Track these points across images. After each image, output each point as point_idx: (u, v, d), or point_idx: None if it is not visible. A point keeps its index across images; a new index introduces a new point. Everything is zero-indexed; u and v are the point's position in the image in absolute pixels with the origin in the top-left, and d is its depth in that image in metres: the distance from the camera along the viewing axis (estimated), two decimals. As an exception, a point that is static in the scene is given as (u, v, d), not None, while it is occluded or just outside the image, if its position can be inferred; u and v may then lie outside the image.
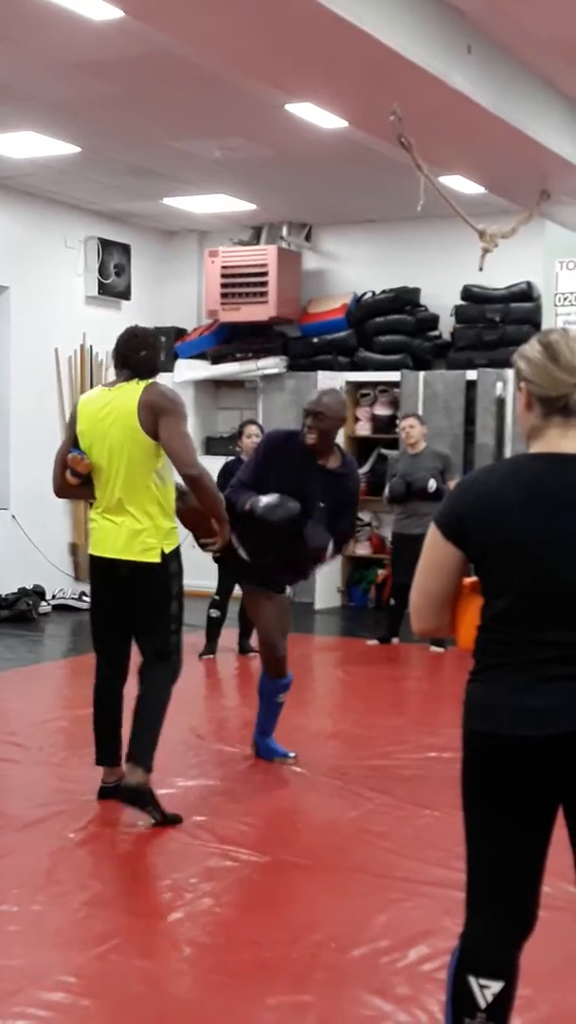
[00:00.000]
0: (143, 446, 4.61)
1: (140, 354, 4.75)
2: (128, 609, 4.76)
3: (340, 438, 10.87)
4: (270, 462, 5.28)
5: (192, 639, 8.65)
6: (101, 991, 3.38)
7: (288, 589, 5.54)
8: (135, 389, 4.66)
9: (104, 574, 4.76)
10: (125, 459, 4.63)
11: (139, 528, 4.64)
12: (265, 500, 5.12)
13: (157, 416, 4.58)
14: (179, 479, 4.70)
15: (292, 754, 5.62)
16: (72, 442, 4.80)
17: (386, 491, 8.72)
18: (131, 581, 4.69)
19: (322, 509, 5.23)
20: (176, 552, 4.73)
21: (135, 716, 4.74)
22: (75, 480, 4.78)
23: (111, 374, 5.04)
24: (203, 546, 4.92)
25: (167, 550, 4.68)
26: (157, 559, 4.65)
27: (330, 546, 5.28)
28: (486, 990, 2.47)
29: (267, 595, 5.39)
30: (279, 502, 5.11)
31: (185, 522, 4.88)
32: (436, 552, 2.52)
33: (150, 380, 4.70)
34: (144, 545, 4.64)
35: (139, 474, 4.63)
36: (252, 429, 8.03)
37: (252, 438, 7.75)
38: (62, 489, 4.89)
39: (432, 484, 8.31)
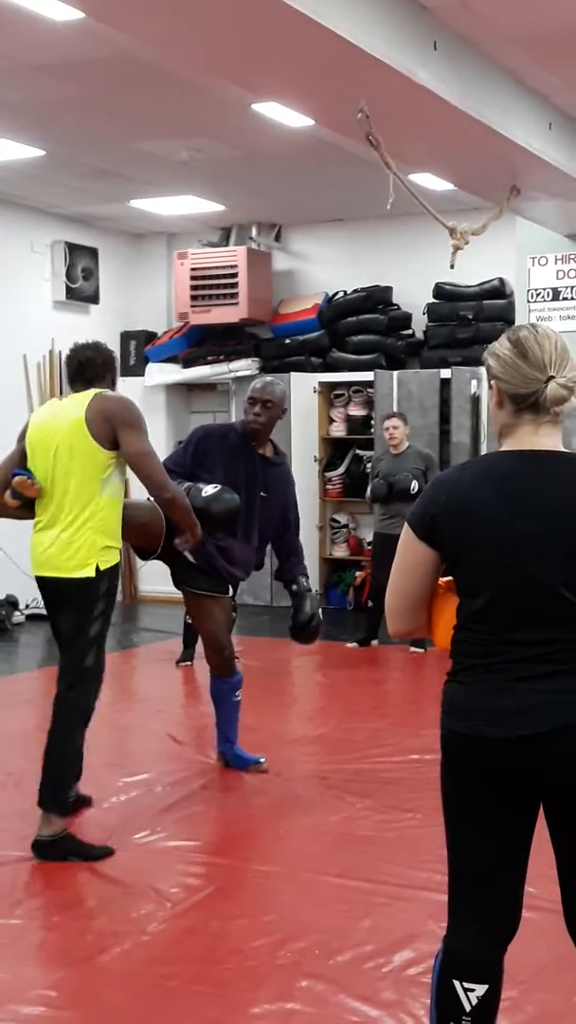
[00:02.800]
0: (91, 457, 4.40)
1: (97, 368, 4.56)
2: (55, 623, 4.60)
3: (315, 439, 10.97)
4: (203, 456, 5.29)
5: (169, 645, 8.62)
6: (84, 1004, 3.34)
7: (231, 590, 5.51)
8: (85, 397, 4.47)
9: (43, 591, 4.57)
10: (66, 469, 4.42)
11: (73, 542, 4.41)
12: (206, 491, 5.10)
13: (115, 427, 4.39)
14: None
15: (262, 759, 5.58)
16: (19, 460, 4.58)
17: (368, 492, 8.71)
18: (58, 596, 4.49)
19: (263, 499, 5.35)
20: (113, 571, 4.49)
21: (45, 756, 4.47)
22: (14, 502, 4.53)
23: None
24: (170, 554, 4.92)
25: (103, 567, 4.44)
26: (91, 574, 4.41)
27: (319, 615, 5.55)
28: (471, 993, 2.45)
29: (212, 598, 5.37)
30: (217, 494, 5.10)
31: (128, 539, 4.74)
32: (410, 553, 2.48)
33: (101, 389, 4.53)
34: (77, 560, 4.41)
35: (78, 485, 4.42)
36: None
37: None
38: (1, 509, 4.62)
39: (415, 486, 8.28)
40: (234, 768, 5.52)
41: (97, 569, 4.42)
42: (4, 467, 4.62)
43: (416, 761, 5.59)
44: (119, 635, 9.17)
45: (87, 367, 4.58)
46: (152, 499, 4.84)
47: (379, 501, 8.58)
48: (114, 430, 4.40)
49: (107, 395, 4.51)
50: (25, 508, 4.57)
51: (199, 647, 8.14)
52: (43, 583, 4.54)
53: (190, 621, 8.03)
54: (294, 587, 5.52)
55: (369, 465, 10.01)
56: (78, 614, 4.46)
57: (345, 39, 5.13)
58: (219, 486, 5.13)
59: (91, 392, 4.51)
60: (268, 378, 5.52)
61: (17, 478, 4.50)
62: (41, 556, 4.50)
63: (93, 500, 4.43)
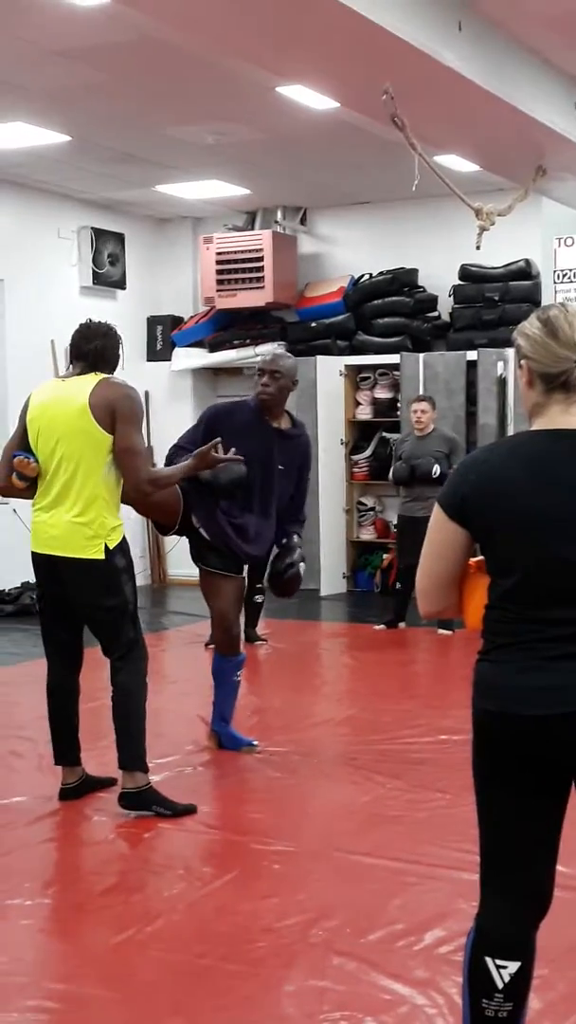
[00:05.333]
0: (94, 440, 4.47)
1: (92, 344, 4.61)
2: (75, 606, 4.65)
3: (341, 422, 10.97)
4: (212, 436, 5.15)
5: (198, 628, 8.65)
6: (115, 982, 3.36)
7: (244, 569, 5.54)
8: (89, 382, 4.52)
9: (46, 570, 4.63)
10: (72, 452, 4.49)
11: (80, 523, 4.50)
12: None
13: (115, 417, 4.45)
14: None
15: (256, 742, 5.61)
16: (21, 440, 4.64)
17: (391, 474, 8.74)
18: (74, 578, 4.56)
19: (281, 472, 5.35)
20: (121, 547, 4.58)
21: (115, 722, 4.68)
22: (21, 484, 4.61)
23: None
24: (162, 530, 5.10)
25: (111, 545, 4.53)
26: (101, 555, 4.51)
27: (301, 567, 5.52)
28: (503, 970, 2.45)
29: (223, 576, 5.40)
30: (223, 464, 5.08)
31: (142, 512, 5.01)
32: (441, 533, 2.49)
33: (106, 375, 4.57)
34: (86, 541, 4.50)
35: (85, 468, 4.49)
36: None
37: None
38: (6, 489, 4.69)
39: (436, 469, 8.28)
40: (227, 749, 5.56)
41: (106, 548, 4.53)
42: (8, 448, 4.70)
43: (445, 741, 5.60)
44: (148, 618, 9.20)
45: (91, 350, 4.62)
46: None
47: (401, 484, 8.60)
48: (114, 419, 4.47)
49: (112, 382, 4.56)
50: (31, 488, 4.65)
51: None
52: (48, 561, 4.61)
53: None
54: (284, 540, 5.51)
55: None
56: (108, 594, 4.58)
57: (370, 20, 5.12)
58: None
59: (95, 377, 4.56)
60: (277, 350, 5.52)
61: (16, 458, 4.59)
62: (46, 536, 4.59)
63: (100, 483, 4.52)
